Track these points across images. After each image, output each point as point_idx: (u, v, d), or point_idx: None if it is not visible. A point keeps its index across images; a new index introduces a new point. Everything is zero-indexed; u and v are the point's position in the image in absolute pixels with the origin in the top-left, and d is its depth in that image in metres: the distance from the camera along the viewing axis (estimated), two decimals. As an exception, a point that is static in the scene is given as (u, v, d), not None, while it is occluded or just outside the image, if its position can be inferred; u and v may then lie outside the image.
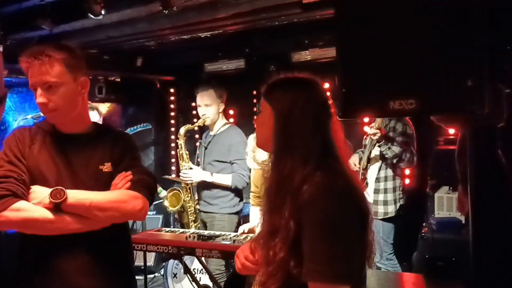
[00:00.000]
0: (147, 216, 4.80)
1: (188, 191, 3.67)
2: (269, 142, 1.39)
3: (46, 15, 2.84)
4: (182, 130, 3.69)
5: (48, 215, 1.56)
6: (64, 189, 1.57)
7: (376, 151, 3.57)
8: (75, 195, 1.58)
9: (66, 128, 1.73)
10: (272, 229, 1.29)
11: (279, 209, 1.28)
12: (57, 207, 1.56)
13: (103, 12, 2.70)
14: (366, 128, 3.50)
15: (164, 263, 4.03)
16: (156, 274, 4.85)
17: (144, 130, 4.75)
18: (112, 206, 1.62)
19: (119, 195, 1.65)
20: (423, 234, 3.45)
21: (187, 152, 3.64)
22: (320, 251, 1.20)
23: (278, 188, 1.32)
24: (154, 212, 5.13)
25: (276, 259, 1.25)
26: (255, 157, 2.85)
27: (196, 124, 3.68)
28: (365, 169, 3.58)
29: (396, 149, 3.38)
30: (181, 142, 3.67)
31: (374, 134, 3.40)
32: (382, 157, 3.50)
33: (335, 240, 1.20)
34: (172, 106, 5.51)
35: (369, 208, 1.34)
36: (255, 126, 1.49)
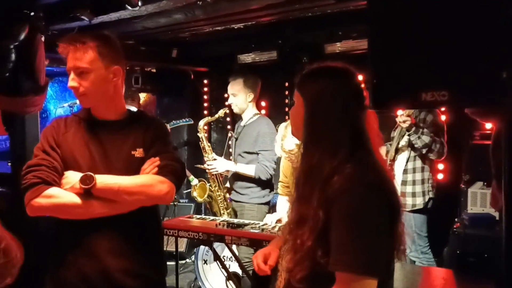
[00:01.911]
0: (179, 203, 4.89)
1: (215, 181, 3.72)
2: (300, 132, 1.41)
3: (85, 6, 2.94)
4: (202, 122, 3.72)
5: (77, 200, 1.64)
6: (93, 174, 1.64)
7: (404, 142, 3.53)
8: (103, 180, 1.65)
9: (100, 114, 1.80)
10: (300, 218, 1.32)
11: (308, 199, 1.30)
12: (87, 192, 1.63)
13: (139, 3, 2.76)
14: (401, 118, 3.45)
15: (195, 249, 4.12)
16: (187, 260, 4.97)
17: (185, 125, 4.82)
18: (138, 190, 1.67)
19: (145, 179, 1.71)
20: (455, 230, 3.39)
21: (209, 144, 3.69)
22: (348, 243, 1.22)
23: (307, 178, 1.34)
24: (186, 200, 5.24)
25: (303, 247, 1.28)
26: (282, 146, 2.86)
27: (216, 115, 3.71)
28: (393, 160, 3.54)
29: (426, 138, 3.33)
30: (201, 135, 3.69)
31: (404, 122, 3.35)
32: (411, 146, 3.45)
33: (363, 232, 1.22)
34: (205, 97, 5.59)
35: (400, 202, 1.34)
36: (290, 115, 1.50)
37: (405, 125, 3.38)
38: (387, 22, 1.56)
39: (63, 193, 1.65)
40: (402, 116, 3.38)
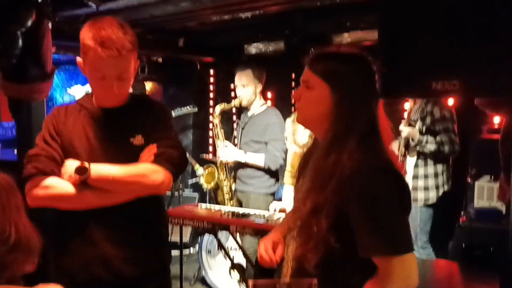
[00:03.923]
0: (183, 194, 4.88)
1: (224, 169, 3.72)
2: (320, 122, 1.37)
3: (93, -8, 2.92)
4: (218, 109, 3.73)
5: (72, 190, 1.62)
6: (88, 164, 1.61)
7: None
8: (98, 170, 1.61)
9: (103, 101, 1.73)
10: (315, 207, 1.30)
11: (324, 187, 1.29)
12: (83, 182, 1.61)
13: (147, -10, 2.75)
14: (401, 127, 3.42)
15: (199, 239, 4.13)
16: (191, 251, 4.99)
17: (190, 112, 4.81)
18: (132, 180, 1.64)
19: (140, 169, 1.66)
20: (461, 223, 3.38)
21: (223, 131, 3.69)
22: (371, 225, 1.24)
23: (327, 168, 1.31)
24: (191, 190, 5.25)
25: (319, 234, 1.28)
26: (295, 140, 2.85)
27: (232, 103, 3.71)
28: (404, 155, 3.52)
29: (431, 146, 3.31)
30: (216, 121, 3.71)
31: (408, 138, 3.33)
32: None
33: (384, 213, 1.25)
34: (211, 87, 5.57)
35: (409, 190, 1.36)
36: (299, 101, 1.41)
37: (404, 135, 3.35)
38: (398, 11, 1.55)
39: (60, 183, 1.63)
40: (402, 132, 3.34)
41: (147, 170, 1.66)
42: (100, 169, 1.62)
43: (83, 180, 1.60)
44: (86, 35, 1.59)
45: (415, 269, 1.25)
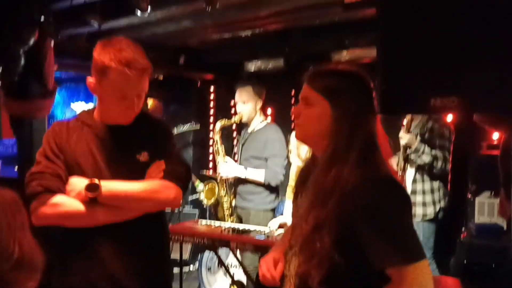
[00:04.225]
0: (183, 210, 4.85)
1: (224, 185, 3.72)
2: (320, 139, 1.38)
3: (96, 10, 2.97)
4: (218, 125, 3.75)
5: (81, 208, 1.61)
6: (98, 181, 1.61)
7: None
8: (109, 187, 1.61)
9: (108, 118, 1.73)
10: (318, 224, 1.30)
11: (325, 203, 1.29)
12: (93, 200, 1.60)
13: (149, 9, 2.79)
14: (401, 134, 3.44)
15: (199, 256, 4.10)
16: (191, 269, 4.95)
17: (191, 130, 4.84)
18: (146, 196, 1.65)
19: (152, 185, 1.67)
20: (462, 239, 3.37)
21: (223, 147, 3.70)
22: (382, 237, 1.24)
23: (328, 184, 1.31)
24: (191, 207, 5.23)
25: (322, 250, 1.28)
26: (299, 154, 2.87)
27: (233, 120, 3.73)
28: (403, 170, 3.52)
29: (426, 158, 3.33)
30: (217, 137, 3.73)
31: (406, 146, 3.36)
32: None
33: (392, 223, 1.26)
34: (211, 104, 5.60)
35: (411, 201, 1.38)
36: (299, 118, 1.43)
37: (403, 142, 3.38)
38: (397, 28, 1.57)
39: (69, 201, 1.62)
40: (401, 138, 3.37)
41: (160, 186, 1.68)
42: (111, 186, 1.62)
43: (93, 197, 1.60)
44: (105, 56, 1.60)
45: (429, 275, 1.26)
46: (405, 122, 3.47)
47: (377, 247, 1.24)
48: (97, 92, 1.69)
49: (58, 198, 1.62)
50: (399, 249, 1.23)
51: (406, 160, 3.48)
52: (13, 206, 1.19)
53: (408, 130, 3.38)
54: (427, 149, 3.34)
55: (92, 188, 1.60)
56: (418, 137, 3.38)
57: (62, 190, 1.64)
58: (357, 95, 1.36)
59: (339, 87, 1.37)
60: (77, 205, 1.61)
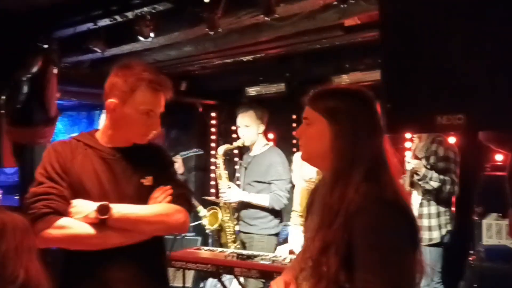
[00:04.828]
0: (186, 237, 4.78)
1: (227, 210, 3.68)
2: (322, 158, 1.36)
3: (99, 38, 3.00)
4: (221, 149, 3.74)
5: (91, 231, 1.59)
6: (109, 204, 1.60)
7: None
8: (120, 210, 1.60)
9: (115, 141, 1.74)
10: (324, 245, 1.27)
11: (332, 224, 1.26)
12: (102, 223, 1.59)
13: (151, 35, 2.81)
14: (408, 158, 3.42)
15: (202, 284, 4.02)
16: (194, 296, 4.84)
17: (195, 155, 4.85)
18: (157, 219, 1.65)
19: (163, 208, 1.68)
20: (471, 262, 3.30)
21: (226, 172, 3.67)
22: (369, 261, 1.19)
23: (333, 204, 1.28)
24: (193, 234, 5.16)
25: (329, 274, 1.23)
26: (302, 175, 2.84)
27: (235, 144, 3.72)
28: (409, 193, 3.49)
29: (435, 183, 3.32)
30: (219, 161, 3.71)
31: (414, 171, 3.34)
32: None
33: (382, 249, 1.19)
34: (213, 129, 5.61)
35: (418, 224, 1.31)
36: (301, 138, 1.43)
37: (409, 167, 3.36)
38: (401, 47, 1.57)
39: (76, 224, 1.60)
40: (409, 163, 3.36)
41: (170, 210, 1.68)
42: (122, 209, 1.61)
43: (103, 220, 1.58)
44: (131, 76, 1.65)
45: None
46: (413, 147, 3.46)
47: (359, 270, 1.19)
48: (117, 113, 1.68)
49: (65, 221, 1.60)
50: (375, 277, 1.16)
51: (412, 184, 3.45)
52: (23, 231, 1.22)
53: (416, 156, 3.37)
54: (435, 175, 3.33)
55: (103, 210, 1.59)
56: (424, 162, 3.37)
57: (67, 212, 1.62)
58: (356, 113, 1.34)
59: (337, 105, 1.36)
60: (85, 228, 1.59)
